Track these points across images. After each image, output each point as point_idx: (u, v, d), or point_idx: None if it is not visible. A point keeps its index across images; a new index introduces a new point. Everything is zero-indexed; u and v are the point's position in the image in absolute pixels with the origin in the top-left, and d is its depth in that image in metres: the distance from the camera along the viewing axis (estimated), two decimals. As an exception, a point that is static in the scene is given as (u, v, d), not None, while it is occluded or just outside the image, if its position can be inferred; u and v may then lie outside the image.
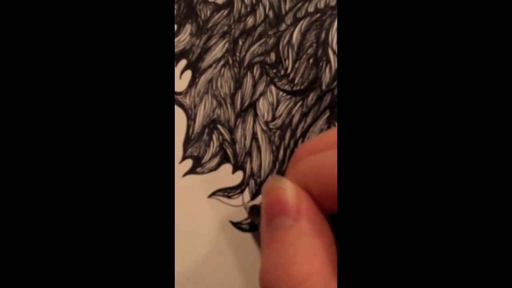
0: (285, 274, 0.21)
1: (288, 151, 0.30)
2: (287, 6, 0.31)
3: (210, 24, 0.31)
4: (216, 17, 0.31)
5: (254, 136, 0.30)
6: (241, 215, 0.29)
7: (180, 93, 0.30)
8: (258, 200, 0.29)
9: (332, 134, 0.25)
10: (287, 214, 0.23)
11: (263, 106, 0.30)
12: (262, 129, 0.30)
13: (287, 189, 0.23)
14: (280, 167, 0.29)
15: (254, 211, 0.27)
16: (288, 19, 0.31)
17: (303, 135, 0.30)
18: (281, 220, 0.23)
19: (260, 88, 0.30)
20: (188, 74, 0.31)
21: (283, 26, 0.31)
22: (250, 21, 0.31)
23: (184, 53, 0.31)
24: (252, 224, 0.29)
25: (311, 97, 0.30)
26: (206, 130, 0.30)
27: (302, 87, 0.30)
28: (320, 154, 0.24)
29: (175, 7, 0.31)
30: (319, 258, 0.21)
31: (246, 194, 0.29)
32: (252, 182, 0.29)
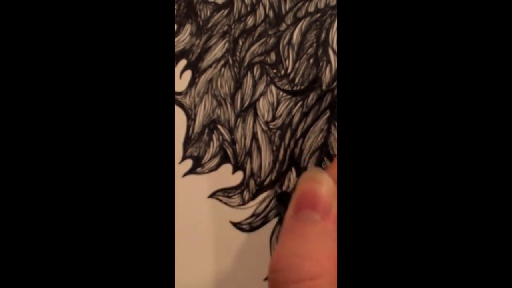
0: (297, 265, 0.21)
1: (288, 151, 0.30)
2: (287, 6, 0.31)
3: (210, 24, 0.31)
4: (216, 17, 0.31)
5: (254, 136, 0.30)
6: (241, 215, 0.29)
7: (180, 93, 0.30)
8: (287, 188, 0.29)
9: None
10: (317, 209, 0.23)
11: (263, 106, 0.30)
12: (262, 129, 0.30)
13: (325, 185, 0.23)
14: (280, 167, 0.29)
15: (282, 198, 0.28)
16: (288, 19, 0.31)
17: (303, 135, 0.30)
18: (309, 213, 0.23)
19: (260, 88, 0.30)
20: (188, 74, 0.31)
21: (283, 26, 0.31)
22: (250, 21, 0.31)
23: (184, 53, 0.31)
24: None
25: (311, 97, 0.30)
26: (206, 130, 0.30)
27: (302, 87, 0.30)
28: None
29: (175, 7, 0.31)
30: (334, 262, 0.21)
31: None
32: (252, 182, 0.29)
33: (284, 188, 0.29)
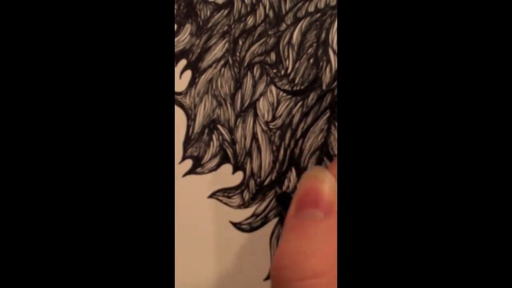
0: (301, 263, 0.21)
1: (288, 151, 0.30)
2: (287, 6, 0.31)
3: (210, 24, 0.31)
4: (216, 17, 0.31)
5: (254, 136, 0.30)
6: (241, 215, 0.29)
7: (180, 93, 0.30)
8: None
9: None
10: (319, 207, 0.23)
11: (263, 106, 0.30)
12: (262, 129, 0.30)
13: (327, 183, 0.23)
14: (280, 168, 0.29)
15: (281, 199, 0.28)
16: (288, 19, 0.31)
17: (304, 135, 0.30)
18: (312, 212, 0.23)
19: (260, 88, 0.30)
20: (188, 74, 0.31)
21: (283, 26, 0.31)
22: (250, 21, 0.31)
23: (184, 53, 0.31)
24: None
25: (312, 97, 0.30)
26: (206, 130, 0.30)
27: (302, 87, 0.30)
28: None
29: (175, 6, 0.31)
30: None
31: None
32: (252, 183, 0.29)
33: (283, 188, 0.29)
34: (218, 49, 0.31)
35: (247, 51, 0.31)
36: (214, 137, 0.30)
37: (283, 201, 0.28)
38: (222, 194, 0.29)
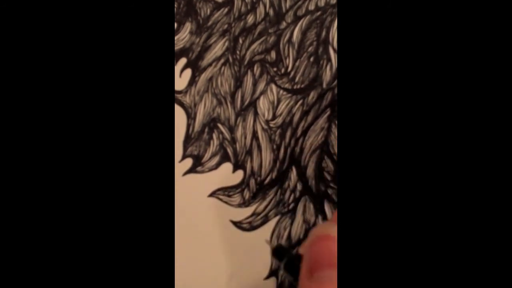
0: None
1: (288, 150, 0.30)
2: (288, 4, 0.31)
3: (210, 23, 0.31)
4: (216, 15, 0.31)
5: (255, 135, 0.30)
6: (241, 214, 0.29)
7: (180, 92, 0.30)
8: (283, 239, 0.29)
9: None
10: (334, 266, 0.21)
11: (263, 104, 0.30)
12: (262, 128, 0.30)
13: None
14: (280, 166, 0.29)
15: (279, 251, 0.27)
16: (289, 17, 0.31)
17: (304, 133, 0.30)
18: (328, 273, 0.21)
19: (261, 86, 0.30)
20: (188, 72, 0.30)
21: (284, 24, 0.31)
22: (250, 19, 0.31)
23: (184, 52, 0.31)
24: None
25: (312, 96, 0.30)
26: (206, 129, 0.30)
27: (302, 85, 0.30)
28: None
29: (175, 5, 0.31)
30: None
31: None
32: (252, 181, 0.29)
33: (283, 187, 0.29)
34: (218, 48, 0.31)
35: (247, 49, 0.30)
36: (214, 136, 0.30)
37: (280, 255, 0.26)
38: (222, 193, 0.29)
